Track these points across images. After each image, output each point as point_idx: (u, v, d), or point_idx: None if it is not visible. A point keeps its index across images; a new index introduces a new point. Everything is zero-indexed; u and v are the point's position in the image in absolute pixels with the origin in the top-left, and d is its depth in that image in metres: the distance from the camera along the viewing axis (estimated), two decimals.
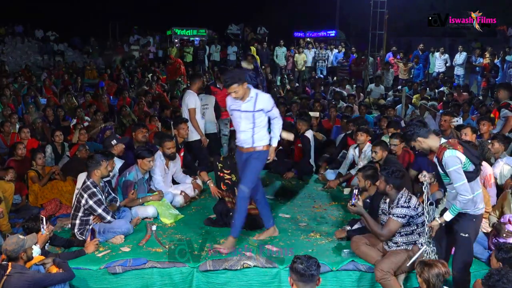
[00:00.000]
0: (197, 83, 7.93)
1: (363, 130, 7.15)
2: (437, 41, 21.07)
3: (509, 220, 5.11)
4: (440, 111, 10.60)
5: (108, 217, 5.41)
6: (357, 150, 7.21)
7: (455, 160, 4.17)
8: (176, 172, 6.75)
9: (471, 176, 4.25)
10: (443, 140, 4.37)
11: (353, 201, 4.87)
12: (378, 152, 6.25)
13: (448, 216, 4.34)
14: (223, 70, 9.76)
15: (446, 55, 16.80)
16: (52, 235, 5.10)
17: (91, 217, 5.43)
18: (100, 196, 5.38)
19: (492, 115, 8.20)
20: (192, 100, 7.70)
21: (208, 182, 6.14)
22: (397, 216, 4.63)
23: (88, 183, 5.38)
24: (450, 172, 4.21)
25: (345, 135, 8.28)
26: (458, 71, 16.41)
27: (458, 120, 7.61)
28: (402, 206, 4.64)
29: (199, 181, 6.90)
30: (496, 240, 5.03)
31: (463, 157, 4.20)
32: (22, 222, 5.05)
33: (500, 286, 3.44)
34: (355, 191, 4.98)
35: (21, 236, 4.35)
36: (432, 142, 4.37)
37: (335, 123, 9.95)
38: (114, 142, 6.58)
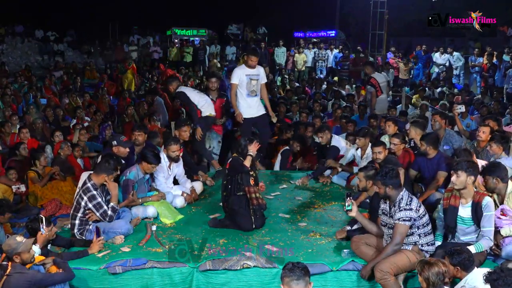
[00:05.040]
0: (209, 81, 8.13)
1: (361, 135, 7.02)
2: (437, 41, 21.06)
3: (501, 211, 5.06)
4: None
5: (106, 221, 5.39)
6: (359, 151, 7.19)
7: None
8: (178, 174, 6.72)
9: None
10: None
11: (347, 206, 4.87)
12: (382, 152, 6.21)
13: None
14: (211, 74, 9.09)
15: (446, 55, 16.81)
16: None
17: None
18: (99, 199, 5.34)
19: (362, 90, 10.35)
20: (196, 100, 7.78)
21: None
22: (403, 220, 4.63)
23: (89, 185, 5.34)
24: None
25: (347, 135, 8.29)
26: (458, 71, 16.42)
27: (461, 108, 7.51)
28: (405, 209, 4.64)
29: (197, 185, 6.88)
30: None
31: None
32: (26, 222, 5.04)
33: (501, 281, 3.44)
34: (347, 194, 4.96)
35: (18, 239, 4.33)
36: None
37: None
38: (114, 143, 6.42)
